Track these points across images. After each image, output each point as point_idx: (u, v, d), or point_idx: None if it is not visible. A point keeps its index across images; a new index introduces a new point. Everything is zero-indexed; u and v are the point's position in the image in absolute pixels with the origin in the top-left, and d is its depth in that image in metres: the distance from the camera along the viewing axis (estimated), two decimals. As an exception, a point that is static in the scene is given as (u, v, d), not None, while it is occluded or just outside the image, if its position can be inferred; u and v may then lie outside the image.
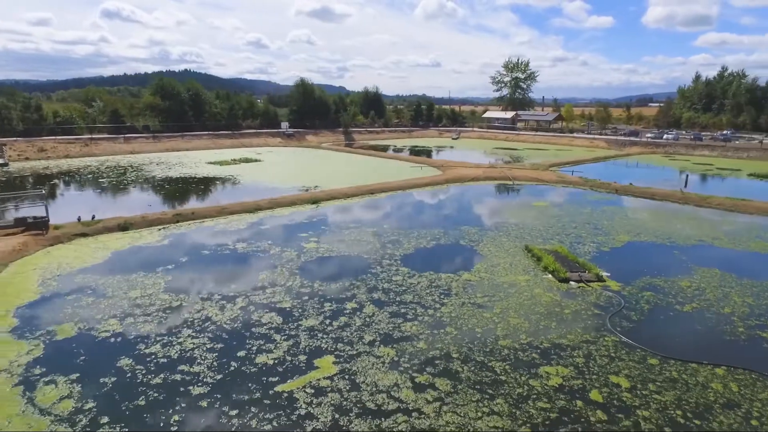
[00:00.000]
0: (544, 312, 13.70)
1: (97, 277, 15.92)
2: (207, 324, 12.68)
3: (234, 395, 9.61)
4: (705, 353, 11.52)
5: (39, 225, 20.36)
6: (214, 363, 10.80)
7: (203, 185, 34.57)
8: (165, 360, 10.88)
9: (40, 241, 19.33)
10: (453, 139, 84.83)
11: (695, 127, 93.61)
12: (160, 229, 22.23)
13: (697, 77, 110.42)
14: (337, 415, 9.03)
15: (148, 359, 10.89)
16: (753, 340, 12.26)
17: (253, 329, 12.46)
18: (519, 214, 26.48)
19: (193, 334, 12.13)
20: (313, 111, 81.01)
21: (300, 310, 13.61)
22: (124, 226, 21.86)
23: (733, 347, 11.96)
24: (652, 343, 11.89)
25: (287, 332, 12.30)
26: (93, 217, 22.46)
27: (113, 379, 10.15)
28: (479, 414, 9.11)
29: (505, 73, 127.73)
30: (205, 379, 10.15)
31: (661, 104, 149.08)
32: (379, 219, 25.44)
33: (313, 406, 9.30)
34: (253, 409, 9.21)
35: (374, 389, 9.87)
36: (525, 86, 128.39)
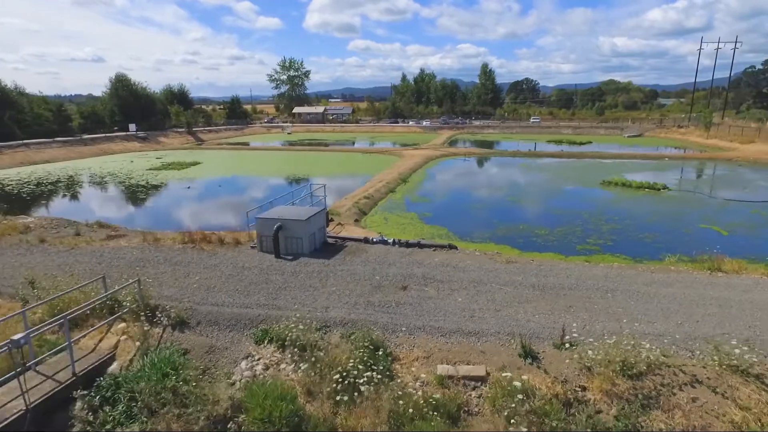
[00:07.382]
0: (682, 200, 26.92)
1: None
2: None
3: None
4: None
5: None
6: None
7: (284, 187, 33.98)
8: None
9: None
10: (287, 133, 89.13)
11: (416, 115, 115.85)
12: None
13: (404, 77, 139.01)
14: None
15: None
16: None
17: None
18: (542, 170, 39.07)
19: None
20: (142, 111, 71.84)
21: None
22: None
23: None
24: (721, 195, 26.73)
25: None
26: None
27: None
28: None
29: (281, 71, 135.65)
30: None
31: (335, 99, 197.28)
32: (473, 189, 33.74)
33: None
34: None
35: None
36: (300, 83, 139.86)
